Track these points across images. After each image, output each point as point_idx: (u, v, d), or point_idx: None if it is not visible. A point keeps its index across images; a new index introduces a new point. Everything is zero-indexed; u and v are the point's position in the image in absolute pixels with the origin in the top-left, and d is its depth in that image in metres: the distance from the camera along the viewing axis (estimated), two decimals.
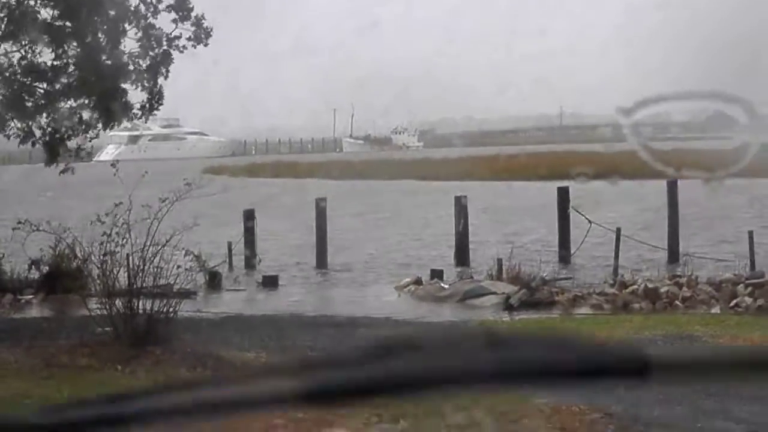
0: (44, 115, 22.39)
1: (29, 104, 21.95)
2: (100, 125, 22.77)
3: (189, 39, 22.25)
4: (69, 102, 22.23)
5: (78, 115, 22.46)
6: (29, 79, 21.67)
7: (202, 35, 22.29)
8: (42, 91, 22.00)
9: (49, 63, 21.71)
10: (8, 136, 22.65)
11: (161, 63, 22.27)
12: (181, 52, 22.42)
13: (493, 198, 52.13)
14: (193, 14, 22.18)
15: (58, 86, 21.97)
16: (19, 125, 22.35)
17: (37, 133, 22.57)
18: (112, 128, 23.48)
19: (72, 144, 23.14)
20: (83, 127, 22.58)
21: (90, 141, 23.26)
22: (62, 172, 23.22)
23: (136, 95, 22.66)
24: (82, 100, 22.14)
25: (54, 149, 22.62)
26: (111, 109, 22.22)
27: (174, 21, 22.13)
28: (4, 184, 49.83)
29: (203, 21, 22.25)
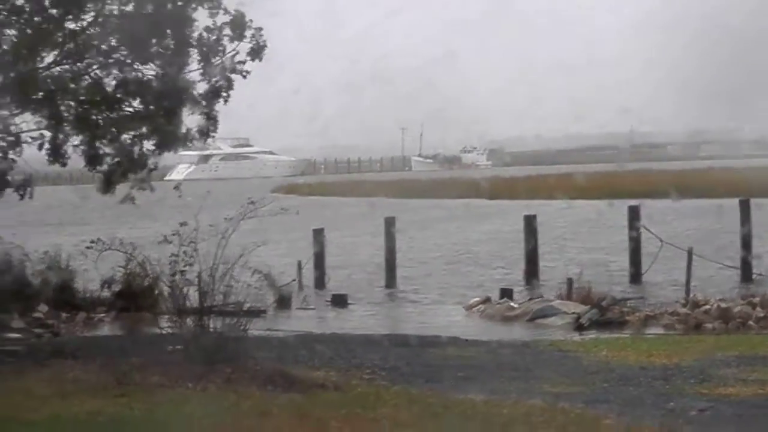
0: (107, 139, 22.52)
1: (96, 128, 22.12)
2: (158, 152, 22.90)
3: (248, 54, 22.30)
4: (132, 128, 22.34)
5: (140, 143, 22.60)
6: (95, 102, 21.82)
7: (259, 50, 22.29)
8: (106, 115, 22.14)
9: (112, 88, 21.88)
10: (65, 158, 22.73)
11: (222, 88, 22.36)
12: (244, 77, 22.49)
13: (563, 217, 51.91)
14: (250, 31, 22.21)
15: (121, 112, 22.14)
16: (84, 148, 22.48)
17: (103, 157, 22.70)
18: (173, 150, 23.50)
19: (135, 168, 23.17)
20: (143, 155, 22.66)
21: (151, 170, 23.20)
22: (122, 201, 23.27)
23: (195, 119, 22.72)
24: (142, 127, 22.27)
25: (116, 175, 22.74)
26: (171, 135, 22.34)
27: (231, 39, 22.17)
28: (78, 203, 50.51)
29: (261, 35, 22.26)
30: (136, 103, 21.99)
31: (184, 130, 22.53)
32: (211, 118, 22.71)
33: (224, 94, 22.53)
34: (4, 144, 22.02)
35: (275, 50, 22.90)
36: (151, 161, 22.81)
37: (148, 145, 22.66)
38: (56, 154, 22.27)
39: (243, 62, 22.28)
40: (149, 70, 21.64)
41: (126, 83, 21.71)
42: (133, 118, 22.08)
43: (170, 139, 22.52)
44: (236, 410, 13.30)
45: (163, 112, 21.95)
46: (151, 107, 21.87)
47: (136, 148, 22.55)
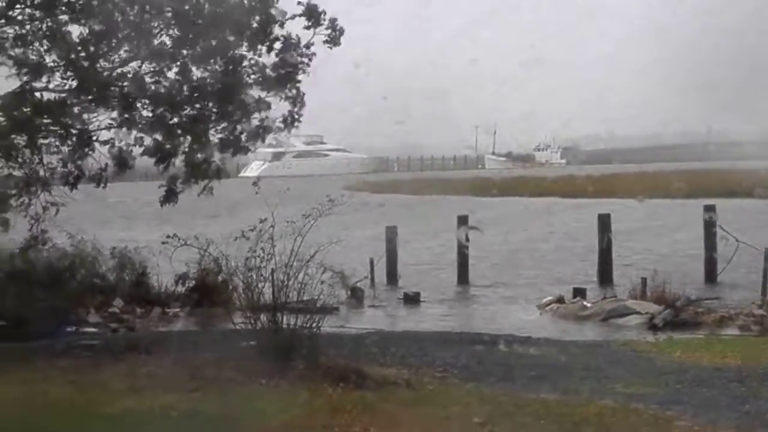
0: (183, 136, 22.65)
1: (172, 125, 22.26)
2: (228, 154, 23.00)
3: (325, 42, 22.34)
4: (199, 131, 22.46)
5: (206, 147, 22.71)
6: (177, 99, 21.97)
7: (336, 36, 22.34)
8: (174, 114, 22.27)
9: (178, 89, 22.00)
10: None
11: (290, 76, 22.38)
12: (310, 59, 22.54)
13: (638, 215, 51.48)
14: (326, 18, 22.24)
15: (189, 113, 22.28)
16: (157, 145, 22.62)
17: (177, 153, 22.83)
18: (241, 152, 23.55)
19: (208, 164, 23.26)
20: (208, 164, 22.76)
21: (218, 175, 23.25)
22: (200, 193, 23.35)
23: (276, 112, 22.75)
24: (209, 130, 22.40)
25: (195, 171, 22.83)
26: (236, 139, 22.47)
27: (307, 27, 22.23)
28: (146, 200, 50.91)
29: (336, 22, 22.30)
30: (203, 104, 22.15)
31: (255, 127, 22.64)
32: (297, 105, 22.78)
33: (291, 83, 22.56)
34: (78, 139, 22.28)
35: (366, 56, 23.05)
36: (214, 166, 22.92)
37: (215, 149, 22.81)
38: (122, 164, 22.57)
39: (309, 55, 22.32)
40: (216, 70, 21.78)
41: (192, 84, 21.88)
42: (198, 120, 22.24)
43: (236, 142, 22.65)
44: (309, 406, 13.37)
45: (229, 114, 22.10)
46: (216, 109, 22.04)
47: (201, 154, 22.69)
